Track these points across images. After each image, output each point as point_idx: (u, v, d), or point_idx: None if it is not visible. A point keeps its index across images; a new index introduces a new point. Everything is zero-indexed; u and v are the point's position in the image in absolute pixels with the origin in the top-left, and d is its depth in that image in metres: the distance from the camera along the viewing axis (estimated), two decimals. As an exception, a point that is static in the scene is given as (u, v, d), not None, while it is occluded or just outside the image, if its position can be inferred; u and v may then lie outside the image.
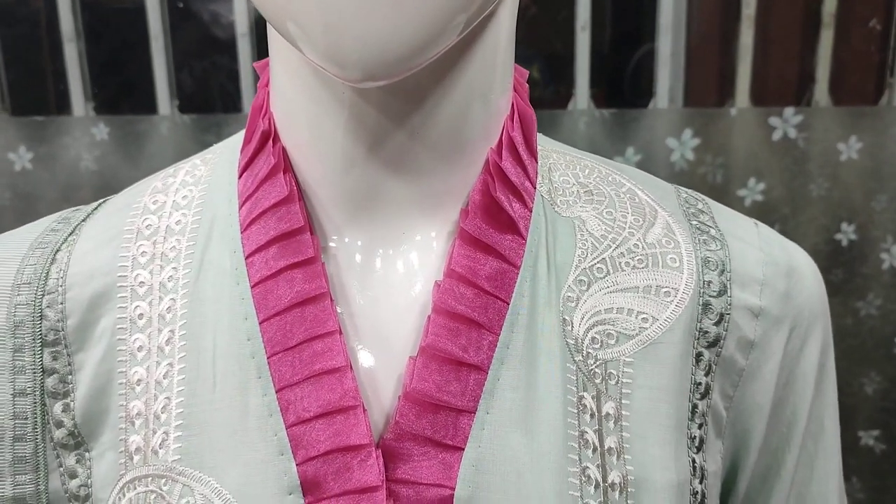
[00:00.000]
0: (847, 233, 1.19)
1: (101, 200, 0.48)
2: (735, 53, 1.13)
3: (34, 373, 0.42)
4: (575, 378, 0.40)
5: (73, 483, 0.42)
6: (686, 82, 1.15)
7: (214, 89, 1.18)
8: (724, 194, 1.15)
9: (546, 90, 1.12)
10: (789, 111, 1.14)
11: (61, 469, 0.42)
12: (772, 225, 1.15)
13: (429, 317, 0.39)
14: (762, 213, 1.18)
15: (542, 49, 1.11)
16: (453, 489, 0.37)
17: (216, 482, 0.37)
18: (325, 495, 0.37)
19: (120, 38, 1.15)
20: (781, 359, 0.44)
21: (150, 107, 1.16)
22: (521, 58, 0.52)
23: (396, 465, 0.37)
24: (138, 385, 0.40)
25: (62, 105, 1.15)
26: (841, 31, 1.13)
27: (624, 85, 1.16)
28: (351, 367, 0.38)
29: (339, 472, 0.37)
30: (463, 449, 0.38)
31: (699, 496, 0.41)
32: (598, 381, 0.40)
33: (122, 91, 1.16)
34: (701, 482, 0.42)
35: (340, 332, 0.39)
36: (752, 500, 0.47)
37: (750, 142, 1.15)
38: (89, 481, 0.41)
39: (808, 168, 1.17)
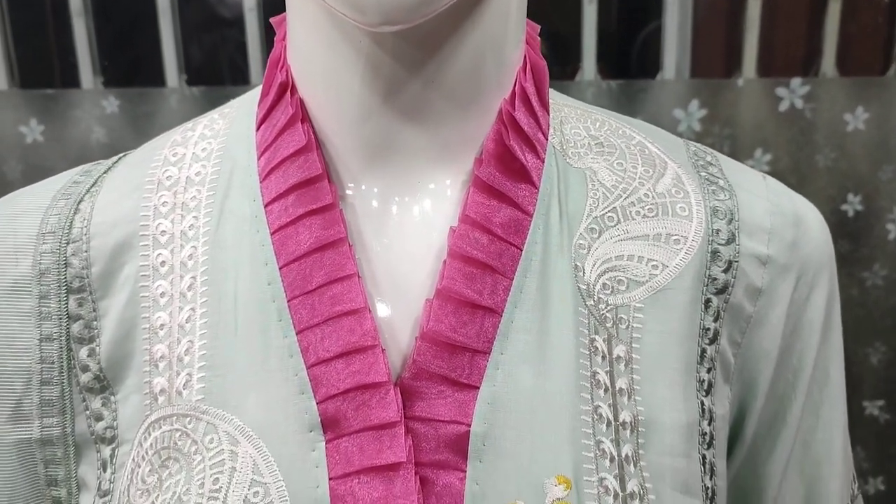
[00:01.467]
0: (853, 203, 1.19)
1: (121, 154, 0.49)
2: (742, 24, 1.13)
3: (60, 319, 0.43)
4: (587, 321, 0.41)
5: (100, 425, 0.43)
6: (693, 53, 1.15)
7: (223, 62, 1.19)
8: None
9: (553, 66, 1.13)
10: (796, 82, 1.14)
11: (87, 412, 0.43)
12: (778, 196, 1.16)
13: (444, 261, 0.40)
14: None
15: (549, 25, 1.12)
16: (469, 425, 0.38)
17: (239, 420, 0.39)
18: (345, 432, 0.38)
19: (128, 12, 1.16)
20: (788, 306, 0.45)
21: (158, 80, 1.16)
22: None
23: (413, 403, 0.38)
24: (161, 329, 0.42)
25: (71, 79, 1.16)
26: (848, 3, 1.13)
27: (631, 58, 1.17)
28: (369, 309, 0.39)
29: (358, 409, 0.38)
30: (478, 388, 0.39)
31: (707, 437, 0.43)
32: (608, 325, 0.41)
33: (131, 65, 1.17)
34: (709, 424, 0.43)
35: (359, 276, 0.40)
36: (758, 447, 0.48)
37: (756, 113, 1.16)
38: (115, 423, 0.42)
39: (814, 139, 1.17)
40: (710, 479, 0.43)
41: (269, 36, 1.13)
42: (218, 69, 1.17)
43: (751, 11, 1.12)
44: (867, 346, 1.27)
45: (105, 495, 0.42)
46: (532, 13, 0.46)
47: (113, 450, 0.42)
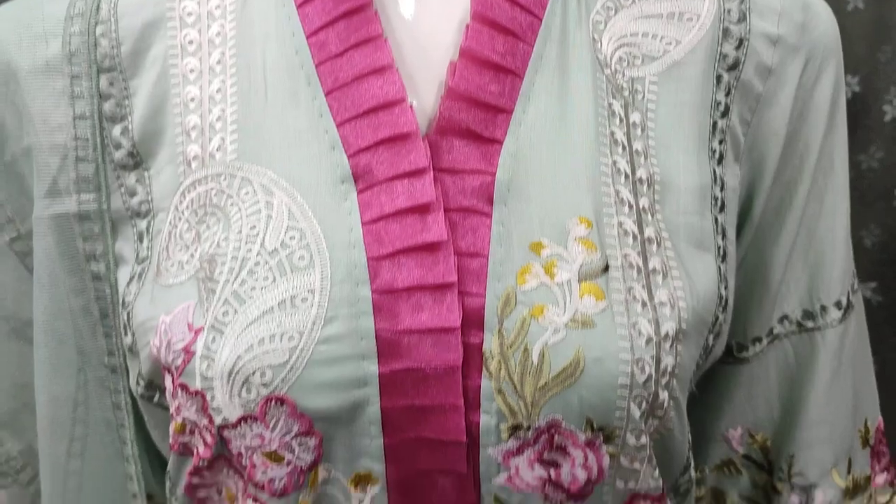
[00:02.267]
0: (851, 85, 1.21)
1: None
2: None
3: (91, 98, 0.45)
4: (604, 87, 0.43)
5: (134, 200, 0.45)
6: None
7: None
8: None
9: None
10: None
11: (122, 189, 0.45)
12: (777, 77, 1.18)
13: (467, 25, 0.42)
14: None
15: None
16: (494, 175, 0.40)
17: (273, 173, 0.41)
18: (376, 181, 0.40)
19: None
20: (797, 88, 0.47)
21: None
22: None
23: (440, 155, 0.41)
24: (192, 102, 0.43)
25: None
26: None
27: None
28: (396, 68, 0.41)
29: (388, 160, 0.40)
30: (502, 142, 0.41)
31: (719, 202, 0.45)
32: (625, 93, 0.43)
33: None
34: (721, 190, 0.45)
35: (385, 39, 0.41)
36: (765, 230, 0.50)
37: None
38: (150, 197, 0.44)
39: None
40: (723, 239, 0.45)
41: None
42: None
43: None
44: (862, 228, 1.30)
45: (143, 262, 0.44)
46: None
47: (148, 222, 0.45)
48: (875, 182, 1.27)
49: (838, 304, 0.52)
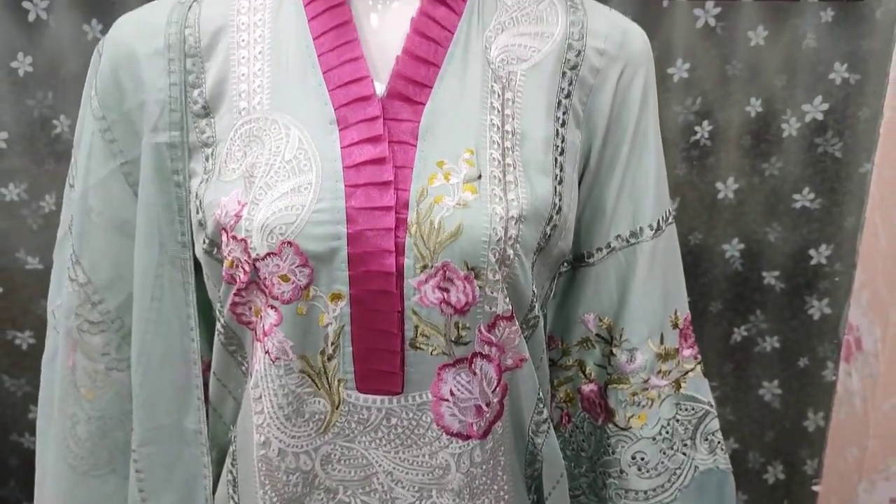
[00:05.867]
0: (755, 106, 1.41)
1: None
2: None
3: (181, 72, 0.72)
4: (490, 76, 0.70)
5: (205, 135, 0.72)
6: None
7: None
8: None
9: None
10: (710, 4, 1.38)
11: (196, 129, 0.73)
12: (695, 98, 1.43)
13: (408, 34, 0.70)
14: (688, 87, 1.43)
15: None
16: (419, 122, 0.68)
17: (291, 117, 0.68)
18: (350, 123, 0.67)
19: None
20: (616, 83, 0.75)
21: None
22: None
23: (388, 111, 0.68)
24: (243, 77, 0.71)
25: None
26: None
27: None
28: (365, 59, 0.69)
29: (357, 111, 0.67)
30: (425, 104, 0.69)
31: (559, 148, 0.72)
32: (503, 80, 0.71)
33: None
34: (562, 142, 0.72)
35: (359, 42, 0.70)
36: (601, 174, 0.77)
37: (678, 28, 1.41)
38: (214, 133, 0.72)
39: (724, 52, 1.41)
40: (561, 171, 0.72)
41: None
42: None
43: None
44: (766, 226, 1.50)
45: (209, 172, 0.72)
46: None
47: (212, 148, 0.72)
48: (777, 187, 1.48)
49: (650, 227, 0.78)
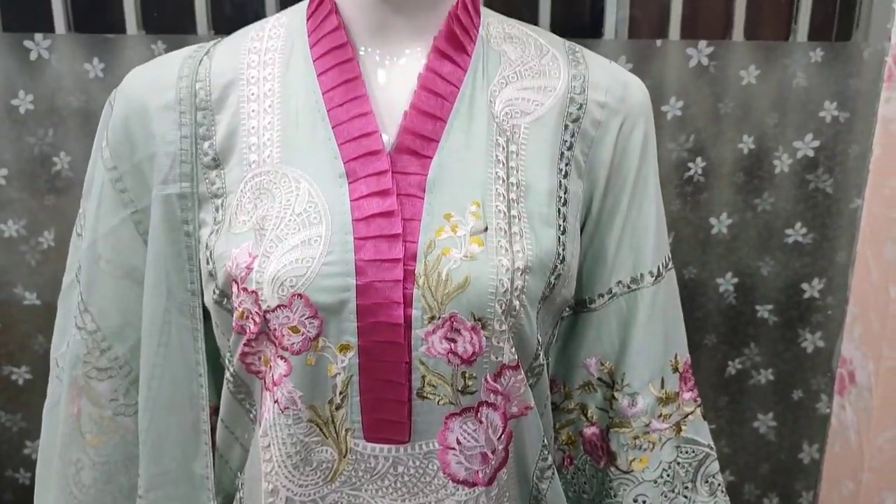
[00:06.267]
0: (747, 143, 1.44)
1: (218, 39, 0.80)
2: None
3: (192, 125, 0.74)
4: (495, 129, 0.72)
5: (214, 187, 0.74)
6: (630, 19, 1.43)
7: (249, 16, 1.45)
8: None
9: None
10: (703, 44, 1.41)
11: (207, 180, 0.74)
12: (688, 135, 1.45)
13: (415, 90, 0.72)
14: (682, 124, 1.46)
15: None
16: (426, 175, 0.69)
17: (301, 171, 0.70)
18: (359, 177, 0.69)
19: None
20: (617, 135, 0.77)
21: (191, 29, 1.40)
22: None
23: (396, 164, 0.69)
24: (253, 129, 0.72)
25: (119, 25, 1.38)
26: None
27: (582, 20, 1.44)
28: (373, 114, 0.70)
29: (366, 165, 0.69)
30: (432, 158, 0.70)
31: (562, 199, 0.74)
32: (508, 133, 0.73)
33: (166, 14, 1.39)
34: (565, 193, 0.74)
35: (368, 98, 0.71)
36: (602, 222, 0.78)
37: (672, 68, 1.44)
38: (224, 184, 0.73)
39: (716, 90, 1.44)
40: (564, 221, 0.74)
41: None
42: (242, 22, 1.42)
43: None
44: (758, 260, 1.52)
45: (219, 223, 0.73)
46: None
47: (223, 200, 0.73)
48: (769, 222, 1.50)
49: (651, 273, 0.80)
